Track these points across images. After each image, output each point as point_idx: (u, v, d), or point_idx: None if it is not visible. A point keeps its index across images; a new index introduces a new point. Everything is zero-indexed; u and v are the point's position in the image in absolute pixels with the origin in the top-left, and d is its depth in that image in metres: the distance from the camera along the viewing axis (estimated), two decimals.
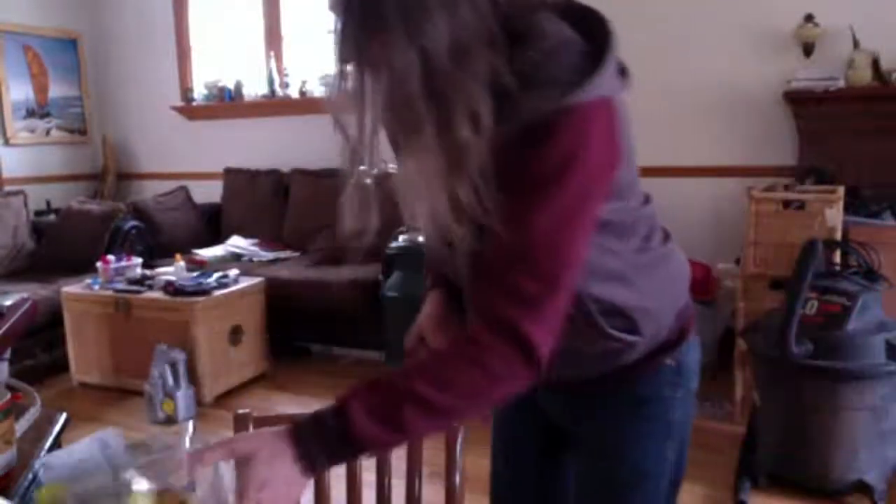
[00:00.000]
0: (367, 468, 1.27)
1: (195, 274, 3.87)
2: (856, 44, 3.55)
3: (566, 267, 0.89)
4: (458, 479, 1.25)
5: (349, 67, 0.87)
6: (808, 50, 3.71)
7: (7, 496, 1.13)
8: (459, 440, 1.26)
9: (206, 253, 4.52)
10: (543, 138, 0.87)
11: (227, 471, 1.09)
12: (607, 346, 1.05)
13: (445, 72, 0.83)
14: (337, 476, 1.30)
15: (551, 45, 0.90)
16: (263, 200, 5.00)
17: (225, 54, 5.48)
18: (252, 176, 5.11)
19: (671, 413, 1.16)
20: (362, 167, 0.96)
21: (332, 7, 0.85)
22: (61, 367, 3.99)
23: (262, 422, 1.26)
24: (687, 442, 1.18)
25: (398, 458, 1.27)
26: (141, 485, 1.04)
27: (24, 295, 2.52)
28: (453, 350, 0.93)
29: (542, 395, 1.19)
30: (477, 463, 2.79)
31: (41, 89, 5.58)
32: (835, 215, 2.84)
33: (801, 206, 2.93)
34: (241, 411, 1.25)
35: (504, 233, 0.87)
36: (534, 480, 1.27)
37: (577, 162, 0.88)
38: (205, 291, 3.63)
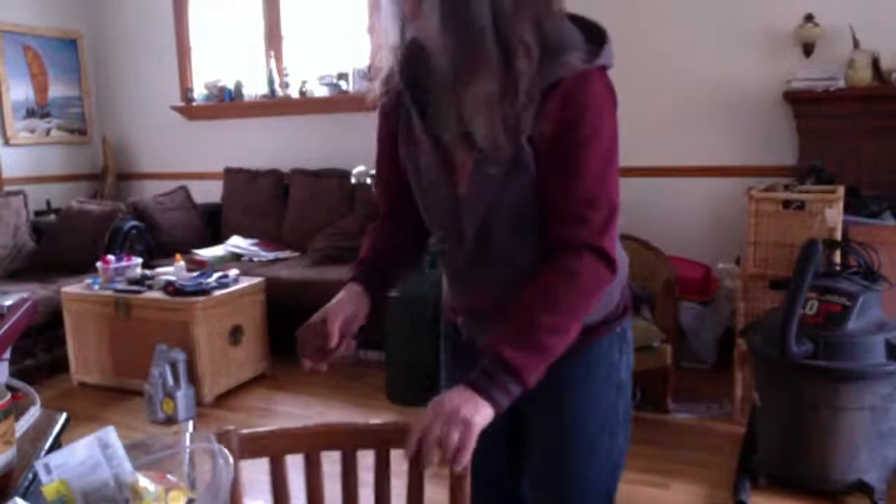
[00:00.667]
0: (366, 469, 1.27)
1: (195, 274, 3.87)
2: (856, 44, 3.56)
3: (616, 195, 1.17)
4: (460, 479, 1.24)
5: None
6: (808, 50, 3.72)
7: (7, 496, 1.13)
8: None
9: (206, 253, 4.52)
10: (579, 97, 1.13)
11: (227, 470, 1.09)
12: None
13: (508, 13, 1.05)
14: (334, 476, 1.30)
15: (568, 27, 1.16)
16: (263, 200, 5.00)
17: (225, 54, 5.48)
18: (252, 176, 5.11)
19: (619, 374, 1.33)
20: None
21: None
22: (61, 367, 3.99)
23: (249, 439, 1.23)
24: (630, 405, 1.36)
25: (400, 458, 1.27)
26: (147, 482, 1.04)
27: (24, 295, 2.52)
28: (554, 281, 1.14)
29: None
30: None
31: (41, 89, 5.58)
32: (835, 215, 2.84)
33: (801, 206, 2.93)
34: (226, 428, 1.23)
35: (562, 181, 1.13)
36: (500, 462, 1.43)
37: (605, 113, 1.17)
38: (205, 291, 3.63)
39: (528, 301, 1.13)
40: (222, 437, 1.22)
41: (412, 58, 1.18)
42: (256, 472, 1.32)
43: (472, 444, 1.04)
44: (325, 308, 1.26)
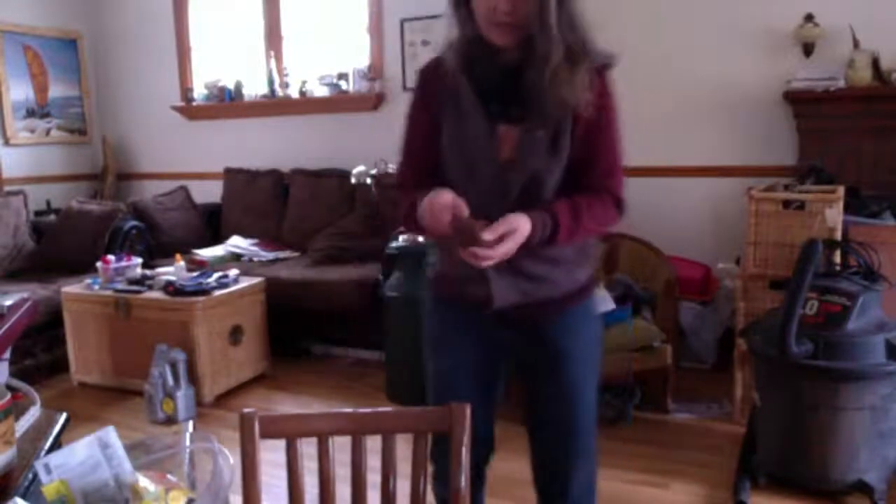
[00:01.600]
0: (373, 469, 1.27)
1: (195, 274, 3.87)
2: (856, 44, 3.56)
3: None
4: (462, 480, 1.25)
5: None
6: (808, 50, 3.72)
7: (7, 496, 1.13)
8: (464, 442, 1.26)
9: (206, 253, 4.52)
10: (608, 84, 1.54)
11: (227, 470, 1.09)
12: (577, 264, 1.58)
13: (579, 13, 1.45)
14: (343, 479, 1.30)
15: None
16: (263, 200, 5.00)
17: (225, 54, 5.48)
18: (252, 176, 5.11)
19: (600, 328, 1.70)
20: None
21: None
22: (61, 367, 3.99)
23: (267, 421, 1.26)
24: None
25: (403, 459, 1.27)
26: (147, 482, 1.04)
27: (24, 295, 2.52)
28: (599, 199, 1.49)
29: (506, 333, 1.59)
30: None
31: (41, 89, 5.58)
32: (835, 215, 2.84)
33: (801, 206, 2.93)
34: (246, 410, 1.25)
35: (600, 147, 1.51)
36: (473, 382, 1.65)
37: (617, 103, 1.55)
38: (205, 291, 3.63)
39: (580, 200, 1.46)
40: (244, 419, 1.24)
41: (470, 51, 1.48)
42: (273, 454, 1.34)
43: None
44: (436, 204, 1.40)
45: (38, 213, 5.21)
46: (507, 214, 1.37)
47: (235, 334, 3.76)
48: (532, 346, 1.59)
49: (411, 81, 4.71)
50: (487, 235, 1.32)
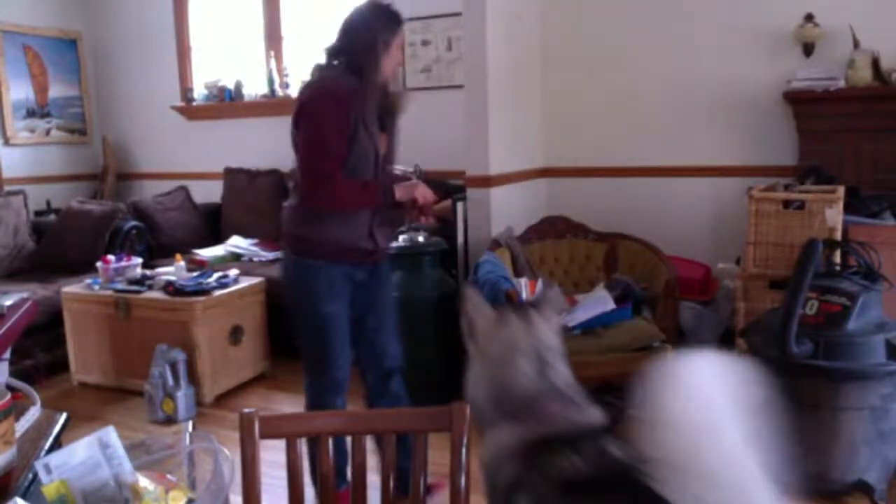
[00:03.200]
0: (373, 469, 1.27)
1: (195, 274, 3.86)
2: (856, 44, 3.55)
3: None
4: (462, 480, 1.25)
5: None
6: (808, 50, 3.72)
7: (7, 496, 1.13)
8: (464, 442, 1.26)
9: (206, 253, 4.52)
10: None
11: (227, 470, 1.09)
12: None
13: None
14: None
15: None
16: (263, 200, 5.00)
17: (225, 54, 5.48)
18: (252, 176, 5.11)
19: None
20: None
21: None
22: (61, 367, 3.99)
23: (267, 421, 1.26)
24: None
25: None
26: (147, 482, 1.04)
27: (24, 295, 2.52)
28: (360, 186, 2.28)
29: (365, 269, 2.41)
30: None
31: (41, 89, 5.58)
32: (835, 215, 2.84)
33: (801, 206, 2.93)
34: (246, 410, 1.25)
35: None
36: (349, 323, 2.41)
37: None
38: (205, 291, 3.63)
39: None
40: (244, 419, 1.24)
41: (374, 90, 2.28)
42: (273, 454, 1.34)
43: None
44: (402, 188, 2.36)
45: (38, 213, 5.21)
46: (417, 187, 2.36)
47: (235, 334, 3.76)
48: (373, 276, 2.45)
49: (411, 81, 4.71)
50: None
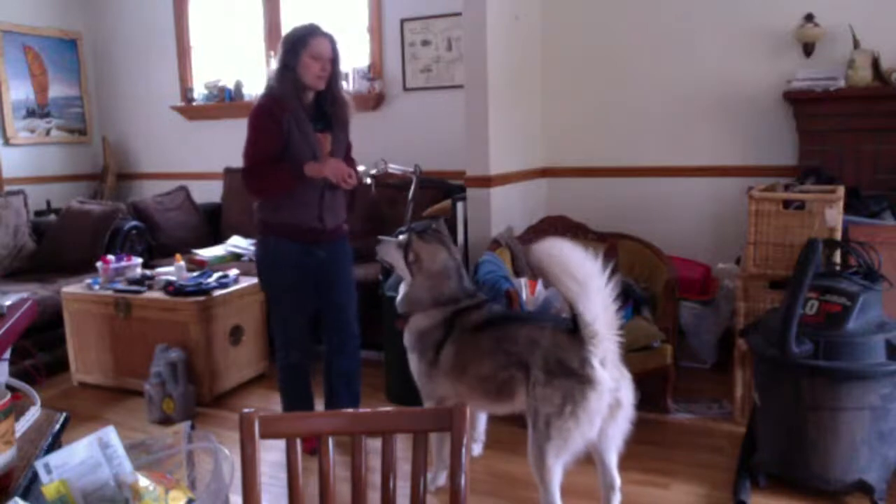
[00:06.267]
0: (373, 470, 1.27)
1: (195, 274, 3.86)
2: (856, 44, 3.56)
3: None
4: (462, 480, 1.25)
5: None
6: (808, 50, 3.72)
7: (7, 496, 1.13)
8: (464, 442, 1.26)
9: (206, 253, 4.52)
10: None
11: (227, 470, 1.09)
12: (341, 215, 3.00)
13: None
14: (343, 479, 1.30)
15: None
16: None
17: (225, 54, 5.48)
18: None
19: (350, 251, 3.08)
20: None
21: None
22: (61, 367, 3.99)
23: (267, 421, 1.26)
24: None
25: (403, 459, 1.27)
26: (147, 482, 1.03)
27: (24, 295, 2.52)
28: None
29: (317, 245, 2.87)
30: (482, 463, 2.79)
31: (41, 89, 5.58)
32: (835, 215, 2.84)
33: (801, 206, 2.93)
34: (246, 410, 1.25)
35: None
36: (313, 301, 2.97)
37: None
38: (205, 291, 3.63)
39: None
40: (244, 419, 1.23)
41: (299, 93, 2.78)
42: (273, 454, 1.33)
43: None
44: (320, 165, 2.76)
45: (38, 213, 5.21)
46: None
47: (235, 334, 3.76)
48: (330, 252, 2.90)
49: (411, 81, 4.71)
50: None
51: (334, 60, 2.81)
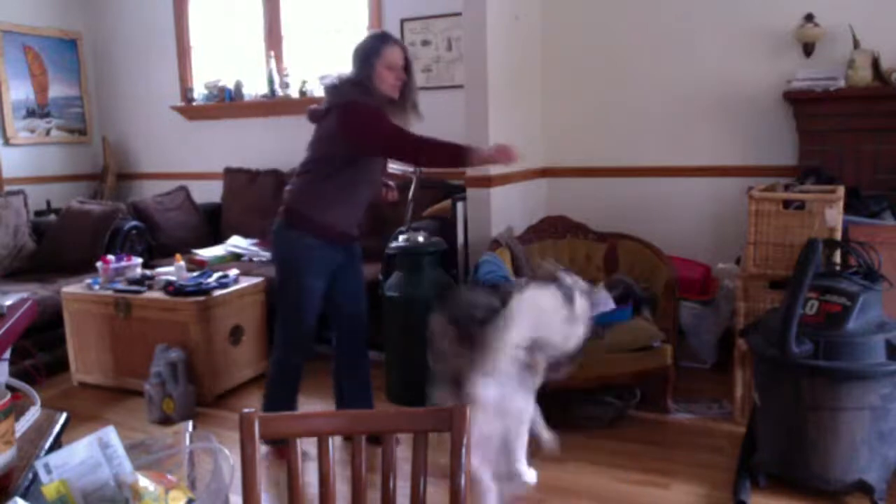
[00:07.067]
0: (374, 469, 1.27)
1: (195, 274, 3.86)
2: (856, 44, 3.56)
3: None
4: (462, 480, 1.25)
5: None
6: (808, 50, 3.72)
7: (7, 496, 1.13)
8: (464, 443, 1.26)
9: (206, 253, 4.52)
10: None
11: (227, 470, 1.09)
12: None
13: None
14: (343, 479, 1.30)
15: None
16: (263, 200, 4.99)
17: (225, 54, 5.48)
18: (252, 176, 5.11)
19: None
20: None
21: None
22: (61, 367, 3.99)
23: (267, 421, 1.26)
24: None
25: (403, 459, 1.27)
26: (147, 482, 1.03)
27: (24, 295, 2.52)
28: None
29: (343, 248, 2.87)
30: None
31: (41, 89, 5.58)
32: (835, 215, 2.84)
33: (801, 206, 2.93)
34: (246, 410, 1.25)
35: None
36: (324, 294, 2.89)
37: None
38: (205, 291, 3.62)
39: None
40: (244, 419, 1.23)
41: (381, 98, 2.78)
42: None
43: None
44: None
45: (38, 213, 5.21)
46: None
47: (235, 334, 3.76)
48: (347, 254, 2.90)
49: None
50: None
51: (408, 68, 2.76)
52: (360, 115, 2.68)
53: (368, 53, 2.70)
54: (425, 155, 2.71)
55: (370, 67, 2.68)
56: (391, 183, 3.05)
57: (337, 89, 2.75)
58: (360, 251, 3.00)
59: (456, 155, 2.66)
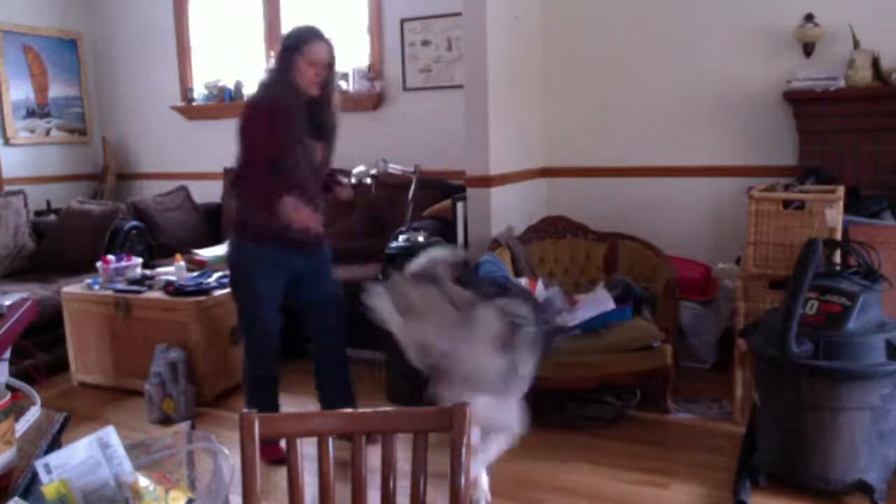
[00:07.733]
0: (373, 470, 1.27)
1: (195, 274, 3.86)
2: (856, 44, 3.56)
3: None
4: (462, 480, 1.25)
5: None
6: (808, 50, 3.72)
7: (7, 496, 1.13)
8: (464, 442, 1.26)
9: (206, 253, 4.51)
10: None
11: (227, 470, 1.09)
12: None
13: None
14: (343, 480, 1.30)
15: None
16: None
17: (225, 54, 5.48)
18: None
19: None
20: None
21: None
22: (61, 367, 3.99)
23: (267, 421, 1.26)
24: None
25: (403, 459, 1.27)
26: (147, 482, 1.03)
27: (24, 295, 2.52)
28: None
29: (300, 252, 2.81)
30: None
31: (41, 89, 5.58)
32: (835, 215, 2.84)
33: (801, 206, 2.93)
34: (245, 410, 1.25)
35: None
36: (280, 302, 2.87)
37: None
38: (205, 291, 3.63)
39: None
40: (244, 419, 1.23)
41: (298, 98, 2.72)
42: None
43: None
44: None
45: (38, 213, 5.21)
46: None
47: (235, 334, 3.76)
48: (310, 258, 2.87)
49: (411, 81, 4.71)
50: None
51: (331, 65, 2.75)
52: (244, 115, 2.77)
53: (291, 48, 2.69)
54: (243, 187, 2.81)
55: (291, 62, 2.67)
56: (344, 180, 2.98)
57: (258, 86, 2.84)
58: (327, 255, 2.96)
59: (264, 204, 2.64)
